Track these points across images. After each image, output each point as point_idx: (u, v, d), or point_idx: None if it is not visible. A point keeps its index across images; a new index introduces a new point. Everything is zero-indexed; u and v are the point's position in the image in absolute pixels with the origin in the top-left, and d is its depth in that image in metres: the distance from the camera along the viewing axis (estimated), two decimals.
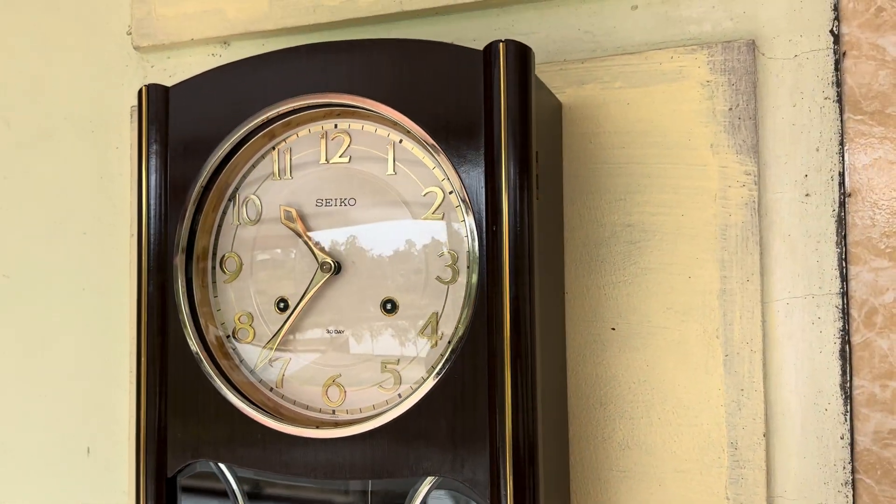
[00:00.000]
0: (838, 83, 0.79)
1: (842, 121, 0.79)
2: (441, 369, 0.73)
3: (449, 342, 0.75)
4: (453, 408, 0.73)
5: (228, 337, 0.85)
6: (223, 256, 0.86)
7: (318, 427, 0.78)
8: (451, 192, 0.76)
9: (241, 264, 0.85)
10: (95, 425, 1.09)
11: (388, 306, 0.79)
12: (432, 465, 0.73)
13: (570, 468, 0.85)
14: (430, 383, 0.74)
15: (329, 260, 0.80)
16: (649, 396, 0.83)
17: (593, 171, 0.85)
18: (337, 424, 0.78)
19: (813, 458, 0.79)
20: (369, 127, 0.80)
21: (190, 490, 0.84)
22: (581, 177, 0.86)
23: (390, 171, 0.79)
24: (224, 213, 0.85)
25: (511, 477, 0.70)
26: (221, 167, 0.83)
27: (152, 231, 0.84)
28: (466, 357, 0.73)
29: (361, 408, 0.80)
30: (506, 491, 0.70)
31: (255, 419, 0.79)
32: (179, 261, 0.83)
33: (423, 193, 0.78)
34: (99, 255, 1.10)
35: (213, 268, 0.86)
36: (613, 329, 0.84)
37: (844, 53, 0.80)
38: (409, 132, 0.77)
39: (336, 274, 0.81)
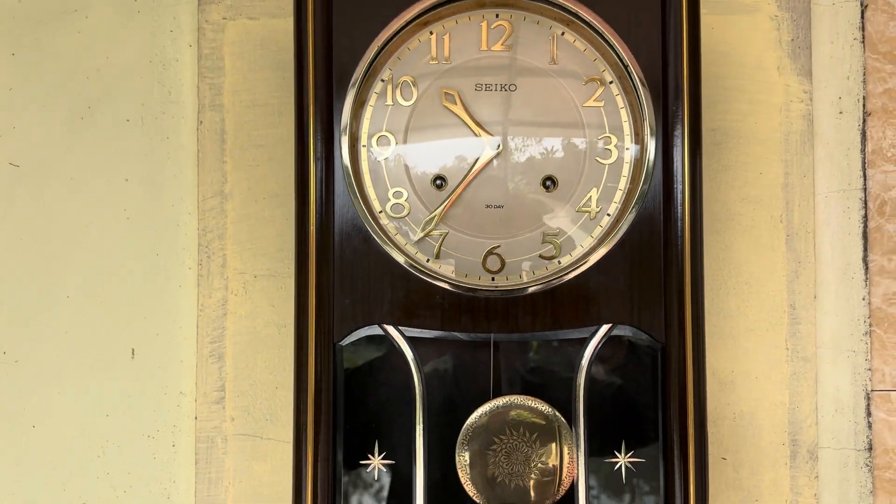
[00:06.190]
0: (862, 28, 1.03)
1: (864, 57, 1.03)
2: (613, 235, 0.84)
3: (609, 214, 0.86)
4: (630, 266, 0.84)
5: (381, 212, 0.88)
6: (377, 135, 0.88)
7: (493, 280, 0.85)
8: (611, 83, 0.87)
9: (395, 143, 0.88)
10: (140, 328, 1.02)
11: (548, 183, 0.88)
12: (612, 314, 0.84)
13: None
14: (604, 250, 0.84)
15: (493, 138, 0.87)
16: (726, 271, 1.00)
17: None
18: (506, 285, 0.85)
19: (843, 315, 1.02)
20: (531, 18, 0.88)
21: (356, 358, 0.86)
22: None
23: (551, 61, 0.88)
24: (375, 94, 0.88)
25: (690, 318, 0.83)
26: (378, 53, 0.86)
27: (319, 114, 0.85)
28: (641, 224, 0.85)
29: (521, 273, 0.87)
30: (681, 329, 0.84)
31: (427, 280, 0.84)
32: (346, 139, 0.85)
33: (583, 82, 0.87)
34: (149, 143, 1.03)
35: (366, 146, 0.88)
36: None
37: (866, 6, 1.03)
38: (577, 19, 0.86)
39: (498, 154, 0.88)
